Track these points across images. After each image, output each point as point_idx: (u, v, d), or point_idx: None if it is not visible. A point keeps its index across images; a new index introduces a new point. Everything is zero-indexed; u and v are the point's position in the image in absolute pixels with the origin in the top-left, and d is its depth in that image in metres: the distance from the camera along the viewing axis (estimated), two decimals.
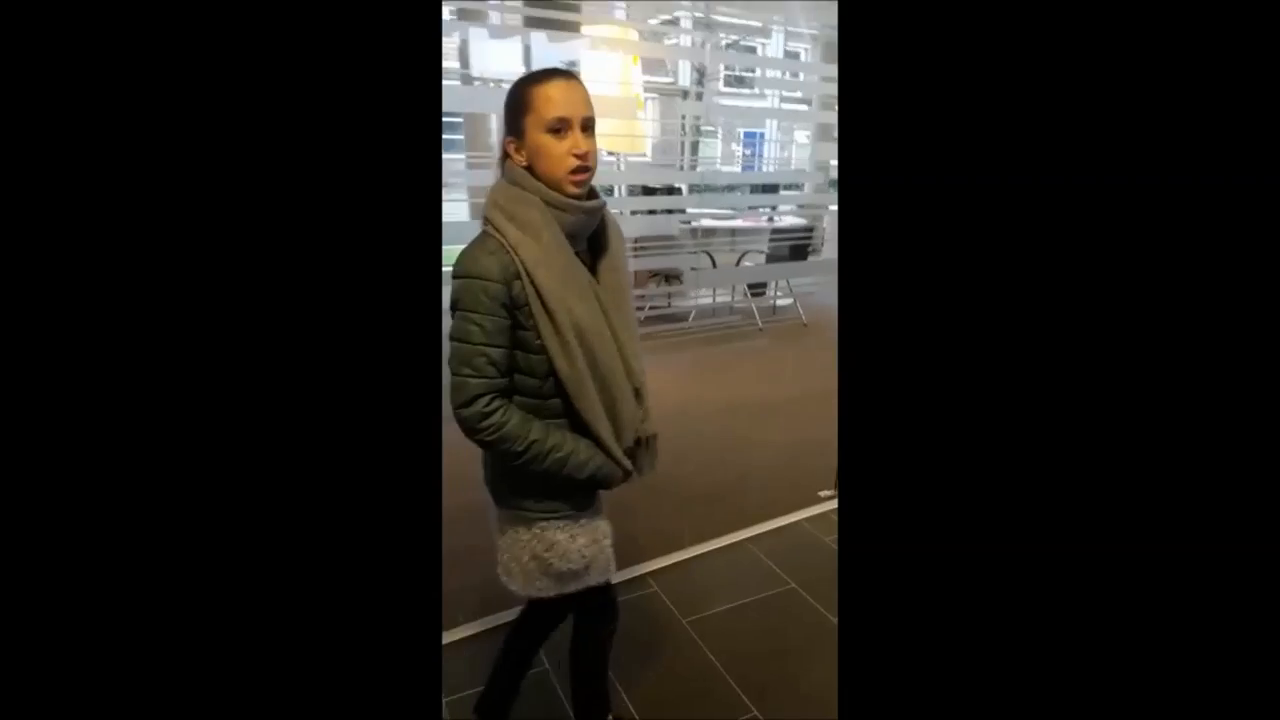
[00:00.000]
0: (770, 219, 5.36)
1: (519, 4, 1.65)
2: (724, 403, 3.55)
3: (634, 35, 3.28)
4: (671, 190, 5.31)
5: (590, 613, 1.28)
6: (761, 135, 12.70)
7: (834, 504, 2.57)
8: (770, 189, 6.59)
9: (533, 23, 1.70)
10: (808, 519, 2.46)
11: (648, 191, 5.98)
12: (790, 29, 9.47)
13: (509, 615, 1.65)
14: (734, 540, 2.31)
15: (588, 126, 1.01)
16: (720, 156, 8.53)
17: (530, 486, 1.10)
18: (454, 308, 1.00)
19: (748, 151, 12.99)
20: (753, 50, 9.29)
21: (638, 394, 1.12)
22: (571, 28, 3.36)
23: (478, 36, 3.63)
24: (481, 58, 4.72)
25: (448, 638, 1.82)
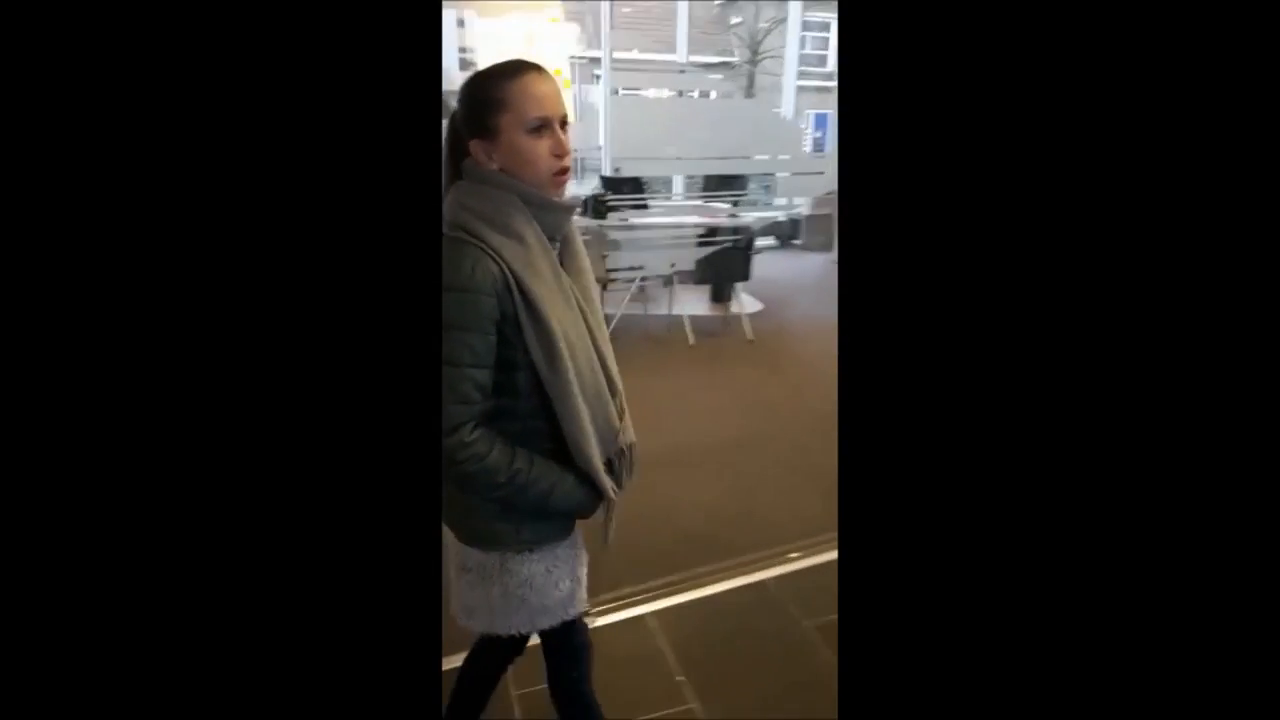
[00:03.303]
0: (732, 214, 4.46)
1: None
2: None
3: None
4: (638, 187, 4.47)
5: (558, 651, 1.15)
6: (825, 117, 11.41)
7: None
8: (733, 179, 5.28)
9: None
10: (524, 697, 1.57)
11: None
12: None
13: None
14: None
15: (564, 124, 0.94)
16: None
17: (505, 517, 1.00)
18: None
19: (818, 134, 11.81)
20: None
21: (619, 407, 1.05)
22: None
23: None
24: None
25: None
